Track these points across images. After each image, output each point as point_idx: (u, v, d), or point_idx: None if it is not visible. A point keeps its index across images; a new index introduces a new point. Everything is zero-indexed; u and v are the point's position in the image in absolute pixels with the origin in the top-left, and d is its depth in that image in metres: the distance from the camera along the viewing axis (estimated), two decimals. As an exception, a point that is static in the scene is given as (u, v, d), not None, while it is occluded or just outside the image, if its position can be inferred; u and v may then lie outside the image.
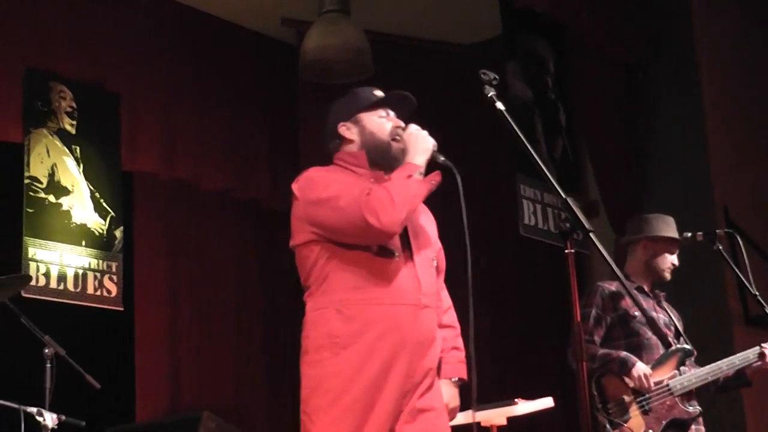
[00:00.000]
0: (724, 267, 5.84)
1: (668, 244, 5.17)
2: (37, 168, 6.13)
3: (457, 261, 3.67)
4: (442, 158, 3.42)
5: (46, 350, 4.96)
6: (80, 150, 6.37)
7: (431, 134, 3.48)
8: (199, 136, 7.07)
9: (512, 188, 6.64)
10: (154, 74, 6.88)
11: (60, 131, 6.30)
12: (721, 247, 5.19)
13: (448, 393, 3.54)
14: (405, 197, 3.25)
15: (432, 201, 3.53)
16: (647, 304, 5.12)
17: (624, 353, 4.89)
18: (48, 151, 6.20)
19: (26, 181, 6.05)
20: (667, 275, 5.17)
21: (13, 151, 6.10)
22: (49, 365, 4.94)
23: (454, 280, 3.69)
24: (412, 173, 3.31)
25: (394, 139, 3.46)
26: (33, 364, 5.03)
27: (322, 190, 3.35)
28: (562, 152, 7.10)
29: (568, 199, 3.05)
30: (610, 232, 6.82)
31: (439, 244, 3.67)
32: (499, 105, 3.20)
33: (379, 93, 3.55)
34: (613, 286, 5.07)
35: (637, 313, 4.99)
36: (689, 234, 5.19)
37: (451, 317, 3.67)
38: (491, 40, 7.47)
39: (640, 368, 4.82)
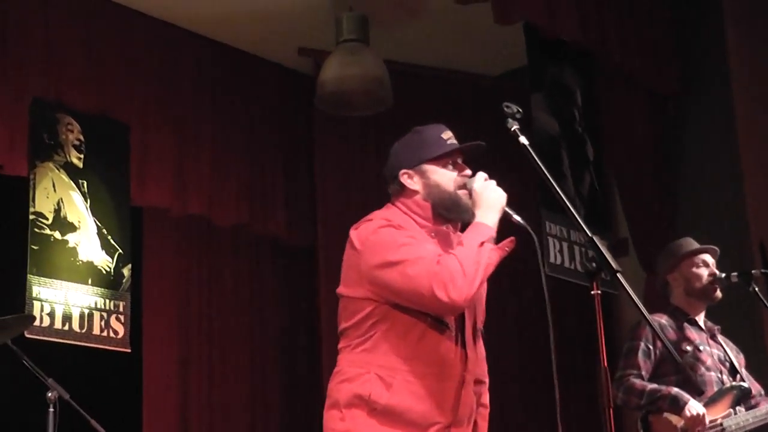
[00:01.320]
0: (761, 308, 5.76)
1: (694, 259, 5.12)
2: (43, 203, 6.12)
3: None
4: (516, 217, 3.34)
5: (50, 394, 4.91)
6: (87, 184, 6.38)
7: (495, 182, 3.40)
8: (212, 169, 7.07)
9: (538, 225, 6.58)
10: (166, 105, 6.88)
11: (67, 165, 6.30)
12: (757, 288, 5.11)
13: None
14: (477, 270, 3.15)
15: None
16: (700, 337, 5.05)
17: (675, 389, 4.79)
18: (54, 186, 6.20)
19: (31, 216, 6.05)
20: (712, 291, 5.09)
21: (18, 185, 6.10)
22: (52, 409, 4.89)
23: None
24: (485, 239, 3.22)
25: (460, 188, 3.38)
26: (36, 408, 4.98)
27: (390, 252, 3.22)
28: (589, 188, 7.04)
29: (595, 238, 3.00)
30: (640, 270, 6.75)
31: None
32: (523, 139, 3.16)
33: (447, 137, 3.45)
34: (663, 319, 5.00)
35: (689, 348, 4.92)
36: (723, 275, 5.13)
37: (484, 370, 3.55)
38: (516, 70, 7.45)
39: (694, 406, 4.73)
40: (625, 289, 3.01)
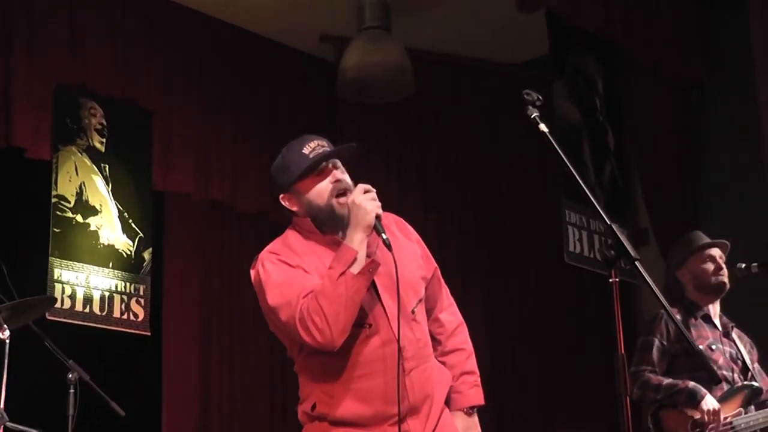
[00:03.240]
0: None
1: (701, 255, 5.12)
2: (65, 186, 6.16)
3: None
4: (384, 236, 3.28)
5: (70, 375, 4.96)
6: (109, 169, 6.41)
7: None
8: (234, 155, 7.08)
9: (558, 213, 6.58)
10: (189, 91, 6.90)
11: (89, 149, 6.34)
12: (777, 279, 5.11)
13: (463, 425, 3.49)
14: (338, 305, 3.16)
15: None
16: (713, 335, 5.03)
17: (692, 384, 4.79)
18: (77, 170, 6.24)
19: (53, 199, 6.09)
20: (721, 283, 5.08)
21: (41, 168, 6.14)
22: (72, 391, 4.94)
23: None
24: (346, 265, 3.20)
25: (338, 195, 3.37)
26: (56, 390, 5.03)
27: (267, 296, 3.30)
28: (610, 177, 7.03)
29: (613, 226, 3.00)
30: (660, 261, 6.72)
31: (432, 266, 3.60)
32: (543, 127, 3.14)
33: (309, 150, 3.39)
34: (679, 315, 4.99)
35: (701, 346, 4.91)
36: (743, 265, 5.10)
37: (459, 339, 3.60)
38: (538, 59, 7.45)
39: (710, 401, 4.73)
40: (644, 278, 3.01)
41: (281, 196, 3.46)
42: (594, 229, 6.65)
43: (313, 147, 3.40)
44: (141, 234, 6.51)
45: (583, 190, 3.08)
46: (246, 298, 7.22)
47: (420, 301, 3.46)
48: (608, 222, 3.00)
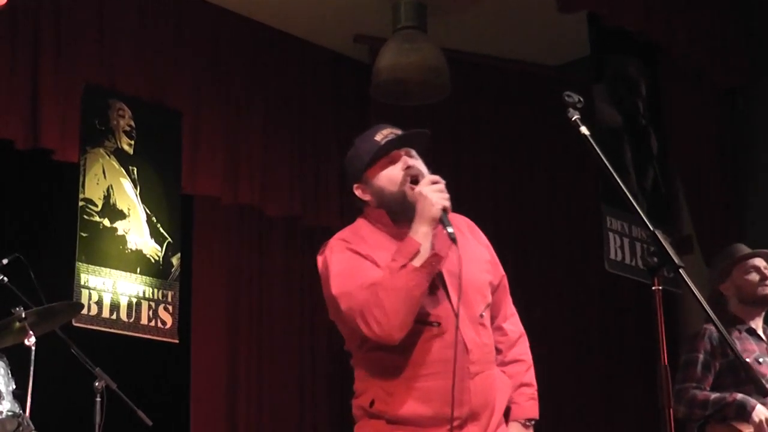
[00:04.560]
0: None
1: (744, 266, 5.08)
2: (93, 190, 6.19)
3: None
4: (449, 229, 3.26)
5: (97, 383, 4.99)
6: (138, 171, 6.43)
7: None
8: (265, 158, 7.09)
9: (599, 220, 6.56)
10: (219, 92, 6.92)
11: (117, 151, 6.36)
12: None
13: None
14: (397, 299, 3.15)
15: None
16: (759, 348, 4.99)
17: (741, 396, 4.76)
18: (104, 172, 6.26)
19: (81, 203, 6.11)
20: (767, 294, 5.04)
21: (68, 171, 6.17)
22: (99, 399, 4.97)
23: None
24: (408, 258, 3.18)
25: (411, 182, 3.35)
26: (83, 398, 5.06)
27: (331, 284, 3.30)
28: (653, 183, 7.00)
29: (656, 232, 2.97)
30: (705, 270, 6.69)
31: (500, 273, 3.59)
32: (584, 130, 3.11)
33: (381, 137, 3.41)
34: None
35: (748, 360, 4.86)
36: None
37: (520, 350, 3.58)
38: (578, 60, 7.44)
39: (761, 411, 4.69)
40: (689, 287, 2.98)
41: (354, 186, 3.46)
42: (636, 236, 6.62)
43: (386, 135, 3.42)
44: (169, 239, 6.53)
45: (626, 195, 3.07)
46: (275, 305, 7.29)
47: (488, 306, 3.44)
48: (651, 228, 2.98)
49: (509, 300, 3.65)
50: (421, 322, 3.25)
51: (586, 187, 7.19)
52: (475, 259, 3.44)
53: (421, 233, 3.22)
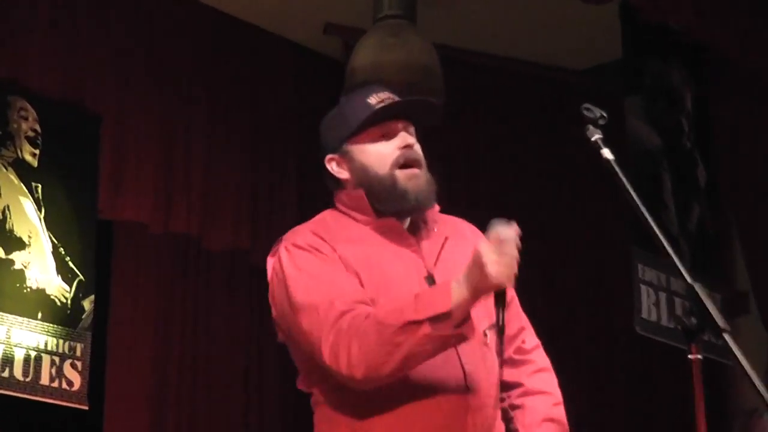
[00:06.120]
0: None
1: None
2: (-16, 211, 6.16)
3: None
4: (501, 316, 3.07)
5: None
6: (42, 189, 6.41)
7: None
8: (206, 175, 7.10)
9: (627, 266, 6.55)
10: (150, 90, 6.92)
11: (17, 162, 6.34)
12: None
13: None
14: (387, 354, 3.00)
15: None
16: None
17: None
18: (-1, 189, 6.25)
19: (-32, 227, 6.09)
20: None
21: (-48, 186, 6.15)
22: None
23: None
24: (428, 315, 2.97)
25: (404, 166, 3.28)
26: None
27: (288, 293, 3.20)
28: (698, 222, 7.02)
29: (696, 285, 2.94)
30: (764, 334, 6.70)
31: (510, 294, 3.43)
32: (607, 153, 3.10)
33: (376, 101, 3.31)
34: None
35: None
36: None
37: (545, 381, 3.51)
38: (607, 65, 7.48)
39: None
40: (737, 357, 2.94)
41: (327, 157, 3.38)
42: (675, 291, 6.62)
43: (382, 99, 3.33)
44: (81, 276, 6.50)
45: (660, 239, 3.03)
46: (214, 362, 7.23)
47: (492, 326, 3.29)
48: (689, 280, 2.95)
49: (524, 321, 3.57)
50: None
51: (616, 225, 7.20)
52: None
53: (461, 295, 3.00)
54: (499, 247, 3.01)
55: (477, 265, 2.98)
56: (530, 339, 3.55)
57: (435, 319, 2.98)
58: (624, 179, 3.08)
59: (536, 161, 7.78)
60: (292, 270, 3.23)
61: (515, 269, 3.03)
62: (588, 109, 3.15)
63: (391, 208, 3.29)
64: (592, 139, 3.12)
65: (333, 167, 3.38)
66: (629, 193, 3.09)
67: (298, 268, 3.22)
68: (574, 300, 7.68)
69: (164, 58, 7.01)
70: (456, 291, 2.99)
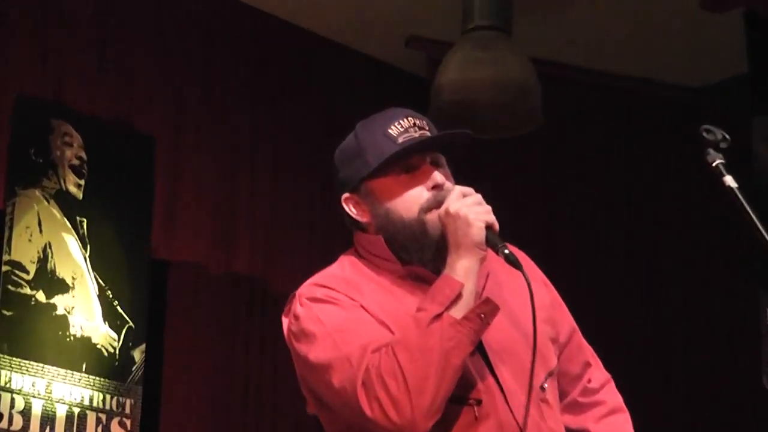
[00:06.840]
0: None
1: None
2: (23, 249, 6.21)
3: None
4: (506, 250, 3.10)
5: None
6: (88, 224, 6.45)
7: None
8: (272, 209, 7.15)
9: (752, 313, 6.45)
10: (211, 112, 6.95)
11: (60, 194, 6.38)
12: None
13: None
14: (426, 366, 2.95)
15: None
16: None
17: None
18: (40, 224, 6.28)
19: (5, 267, 6.13)
20: None
21: (-12, 221, 6.22)
22: None
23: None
24: (444, 304, 2.99)
25: (430, 210, 3.17)
26: None
27: (312, 350, 3.11)
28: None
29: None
30: None
31: (568, 324, 3.45)
32: (729, 180, 3.01)
33: (397, 132, 3.22)
34: None
35: None
36: None
37: (615, 425, 3.45)
38: (729, 81, 7.46)
39: None
40: None
41: (344, 196, 3.27)
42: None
43: (406, 127, 3.23)
44: (131, 323, 6.53)
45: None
46: (282, 419, 7.22)
47: (551, 374, 3.27)
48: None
49: (589, 355, 3.52)
50: (456, 400, 3.06)
51: (735, 260, 7.20)
52: (529, 305, 3.22)
53: (461, 268, 3.03)
54: (464, 197, 3.10)
55: (452, 219, 3.06)
56: (598, 375, 3.50)
57: (451, 303, 2.99)
58: (750, 211, 3.00)
59: (636, 185, 7.83)
60: (310, 325, 3.13)
61: (488, 207, 3.11)
62: (708, 131, 3.08)
63: (418, 258, 3.19)
64: (714, 164, 3.05)
65: (351, 208, 3.26)
66: (756, 227, 3.01)
67: (316, 323, 3.12)
68: (690, 349, 7.63)
69: (226, 75, 7.06)
70: (453, 268, 3.04)
